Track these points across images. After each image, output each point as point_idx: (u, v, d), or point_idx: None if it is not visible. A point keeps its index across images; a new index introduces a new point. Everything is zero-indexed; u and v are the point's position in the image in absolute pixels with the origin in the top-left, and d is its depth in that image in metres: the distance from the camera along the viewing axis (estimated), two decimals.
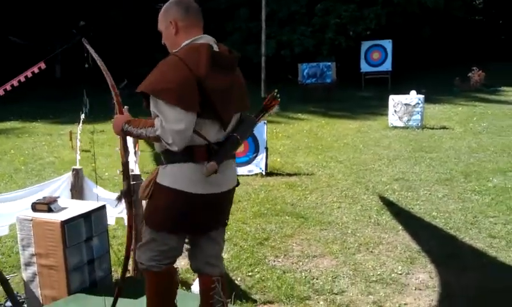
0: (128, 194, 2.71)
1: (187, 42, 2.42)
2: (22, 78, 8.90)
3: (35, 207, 3.36)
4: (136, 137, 2.63)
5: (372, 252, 4.72)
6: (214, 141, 2.40)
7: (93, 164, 8.12)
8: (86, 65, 2.93)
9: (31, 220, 3.30)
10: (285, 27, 19.86)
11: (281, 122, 13.24)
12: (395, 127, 11.82)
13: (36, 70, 8.94)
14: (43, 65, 9.06)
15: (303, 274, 4.28)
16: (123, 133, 2.52)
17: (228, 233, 5.21)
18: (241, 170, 7.78)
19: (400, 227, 5.31)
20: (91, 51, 2.74)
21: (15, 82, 9.09)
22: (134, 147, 5.32)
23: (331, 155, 9.18)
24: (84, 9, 21.88)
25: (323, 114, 14.65)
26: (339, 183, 7.14)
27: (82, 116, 8.69)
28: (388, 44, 19.16)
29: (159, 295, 2.60)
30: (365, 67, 19.47)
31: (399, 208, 6.03)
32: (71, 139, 9.76)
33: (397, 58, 19.23)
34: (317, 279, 4.20)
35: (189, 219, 2.47)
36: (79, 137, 8.34)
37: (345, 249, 4.77)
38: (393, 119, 12.05)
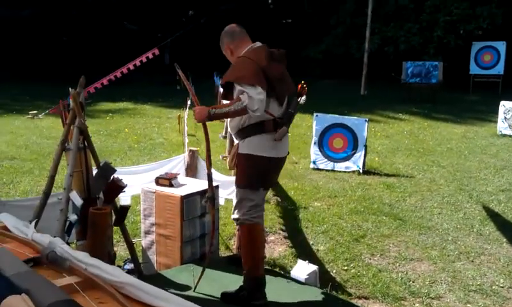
0: (213, 199, 3.32)
1: (246, 50, 3.23)
2: (137, 62, 9.57)
3: (158, 181, 3.73)
4: (223, 116, 3.18)
5: (472, 261, 4.60)
6: (277, 116, 3.17)
7: (198, 148, 8.67)
8: (178, 87, 3.86)
9: (154, 192, 3.67)
10: (391, 22, 19.32)
11: (381, 121, 13.01)
12: (504, 135, 11.14)
13: (150, 55, 9.58)
14: (156, 51, 9.67)
15: (400, 274, 4.30)
16: (210, 118, 3.11)
17: (324, 226, 5.35)
18: (338, 166, 7.85)
19: (505, 239, 5.10)
20: (181, 73, 3.33)
21: (131, 66, 9.80)
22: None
23: (432, 159, 8.92)
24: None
25: (426, 116, 14.15)
26: (441, 189, 6.95)
27: (189, 102, 9.25)
28: (501, 46, 17.93)
29: (252, 243, 3.21)
30: (474, 69, 18.39)
31: (504, 220, 5.77)
32: (179, 123, 10.40)
33: (511, 61, 17.96)
34: (413, 281, 4.20)
35: (265, 177, 3.23)
36: (185, 121, 8.90)
37: (445, 255, 4.70)
38: (502, 126, 11.36)
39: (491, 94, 16.86)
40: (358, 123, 7.97)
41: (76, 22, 22.12)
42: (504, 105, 11.31)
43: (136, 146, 9.12)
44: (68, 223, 2.54)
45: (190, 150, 4.46)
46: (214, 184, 3.85)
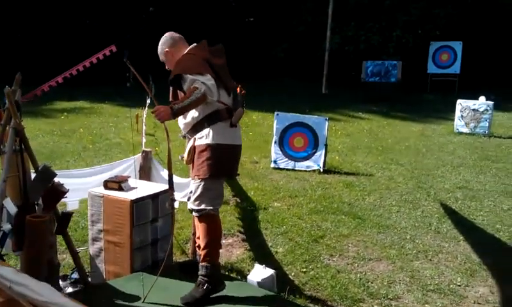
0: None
1: (186, 50, 3.40)
2: (94, 59, 9.26)
3: (107, 185, 3.53)
4: (186, 108, 3.15)
5: (430, 260, 4.60)
6: (229, 105, 3.30)
7: (157, 148, 8.43)
8: (128, 84, 4.02)
9: (102, 196, 3.47)
10: (352, 22, 19.48)
11: (342, 120, 13.08)
12: (461, 133, 11.40)
13: (107, 52, 9.28)
14: (114, 48, 9.38)
15: (358, 275, 4.25)
16: (174, 115, 3.10)
17: (284, 227, 5.26)
18: (299, 165, 7.79)
19: (462, 237, 5.14)
20: (132, 69, 3.34)
21: (87, 63, 9.48)
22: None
23: (391, 157, 8.99)
24: None
25: (385, 115, 14.33)
26: (399, 187, 6.99)
27: (148, 101, 8.99)
28: (458, 46, 18.39)
29: (215, 232, 3.32)
30: (432, 68, 18.79)
31: (461, 218, 5.83)
32: (137, 122, 10.10)
33: (466, 61, 18.45)
34: (372, 282, 4.16)
35: (227, 165, 3.34)
36: (144, 120, 8.65)
37: (403, 254, 4.69)
38: (459, 124, 11.62)
39: (447, 93, 17.25)
40: (319, 121, 7.93)
41: (31, 19, 21.33)
42: (461, 104, 11.57)
43: (90, 147, 8.80)
44: (1, 233, 2.32)
45: (143, 151, 4.27)
46: (167, 187, 3.69)
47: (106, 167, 4.20)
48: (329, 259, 4.56)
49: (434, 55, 18.83)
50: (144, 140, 6.83)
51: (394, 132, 11.79)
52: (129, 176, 3.73)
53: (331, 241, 4.94)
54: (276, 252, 4.64)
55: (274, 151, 7.92)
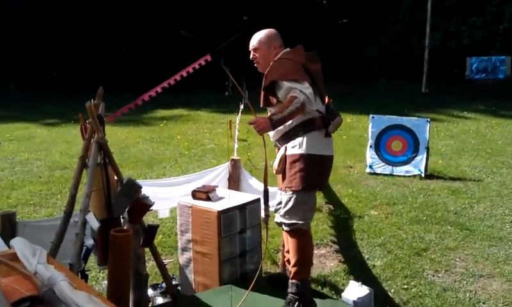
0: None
1: (281, 53, 3.24)
2: (190, 69, 9.52)
3: (195, 195, 3.47)
4: (285, 119, 2.99)
5: None
6: (323, 114, 3.15)
7: (249, 154, 8.40)
8: (226, 93, 4.03)
9: (190, 207, 3.40)
10: (453, 17, 18.26)
11: (444, 121, 12.23)
12: None
13: (203, 62, 9.49)
14: (209, 58, 9.57)
15: (468, 294, 3.80)
16: (273, 126, 2.97)
17: (381, 238, 4.90)
18: (397, 170, 7.32)
19: None
20: (230, 75, 3.36)
21: (184, 73, 9.76)
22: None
23: (502, 160, 8.18)
24: (249, 5, 22.84)
25: (493, 114, 13.19)
26: None
27: (241, 106, 9.00)
28: None
29: (307, 248, 3.16)
30: None
31: None
32: (230, 128, 10.20)
33: None
34: (484, 303, 3.69)
35: (321, 177, 3.20)
36: (237, 126, 8.67)
37: None
38: None
39: None
40: (419, 123, 7.39)
41: (134, 33, 22.65)
42: None
43: (186, 153, 9.00)
44: (84, 249, 2.31)
45: (232, 160, 4.18)
46: (256, 197, 3.57)
47: (196, 176, 4.17)
48: (433, 276, 4.13)
49: None
50: (236, 145, 6.83)
51: (504, 133, 10.77)
52: (217, 186, 3.65)
53: (436, 255, 4.49)
54: (374, 265, 4.30)
55: (370, 155, 7.52)
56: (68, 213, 2.49)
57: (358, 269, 4.22)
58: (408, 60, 19.30)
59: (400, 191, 6.52)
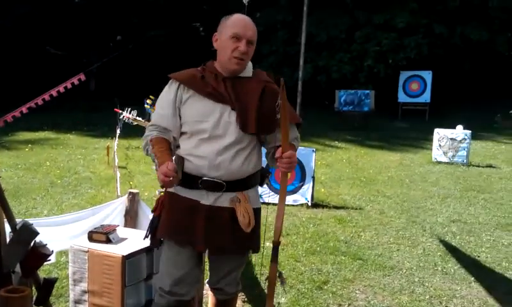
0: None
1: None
2: (61, 89, 8.64)
3: (91, 236, 2.99)
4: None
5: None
6: None
7: (131, 182, 7.84)
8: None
9: (87, 251, 2.92)
10: (323, 52, 19.52)
11: (319, 149, 12.79)
12: (439, 162, 11.31)
13: (75, 81, 8.69)
14: (83, 77, 8.80)
15: None
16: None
17: (283, 271, 4.77)
18: (286, 199, 7.34)
19: (472, 278, 4.79)
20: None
21: (54, 92, 8.83)
22: None
23: (376, 188, 8.71)
24: (121, 25, 22.01)
25: (361, 144, 14.19)
26: (392, 222, 6.65)
27: (118, 131, 8.38)
28: (427, 75, 18.68)
29: None
30: (402, 97, 18.99)
31: (464, 255, 5.51)
32: (108, 154, 9.51)
33: (436, 90, 18.71)
34: None
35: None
36: (115, 152, 8.06)
37: (416, 301, 4.28)
38: (437, 153, 11.53)
39: (419, 121, 17.36)
40: (306, 153, 7.56)
41: None
42: (438, 133, 11.50)
43: (58, 182, 8.12)
44: None
45: (130, 193, 3.74)
46: None
47: (87, 213, 3.65)
48: None
49: (405, 84, 19.07)
50: (118, 174, 6.29)
51: (373, 162, 11.59)
52: (117, 225, 3.20)
53: (336, 287, 4.49)
54: (279, 303, 4.15)
55: None
56: None
57: None
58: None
59: (291, 221, 6.54)
